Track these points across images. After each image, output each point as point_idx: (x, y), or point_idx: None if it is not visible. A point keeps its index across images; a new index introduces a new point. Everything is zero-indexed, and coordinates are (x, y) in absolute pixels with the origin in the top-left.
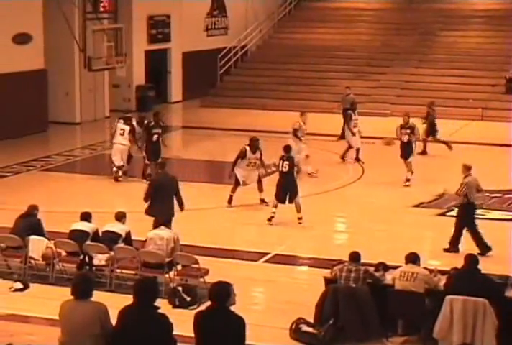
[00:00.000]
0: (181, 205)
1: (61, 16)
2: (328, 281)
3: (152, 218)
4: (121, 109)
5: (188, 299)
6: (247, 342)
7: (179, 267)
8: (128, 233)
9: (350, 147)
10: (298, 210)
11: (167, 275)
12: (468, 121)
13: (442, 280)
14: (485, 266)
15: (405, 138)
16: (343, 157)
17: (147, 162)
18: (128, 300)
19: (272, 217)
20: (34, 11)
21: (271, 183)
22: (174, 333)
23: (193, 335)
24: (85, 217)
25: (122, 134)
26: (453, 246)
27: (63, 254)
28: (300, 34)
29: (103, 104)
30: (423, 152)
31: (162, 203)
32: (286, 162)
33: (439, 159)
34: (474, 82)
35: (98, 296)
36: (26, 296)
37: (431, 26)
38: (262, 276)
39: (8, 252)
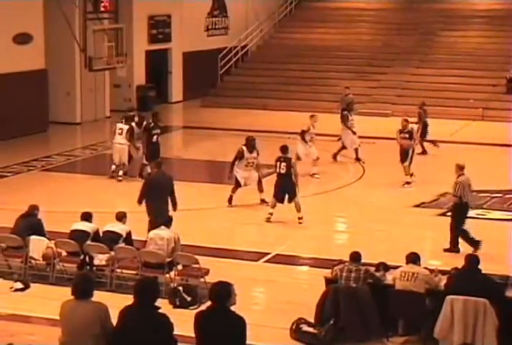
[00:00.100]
0: (174, 204)
1: (62, 16)
2: (328, 281)
3: None
4: (122, 109)
5: (189, 299)
6: (247, 342)
7: (179, 267)
8: (128, 233)
9: (344, 147)
10: (298, 210)
11: (167, 275)
12: (469, 121)
13: (443, 280)
14: (486, 266)
15: (404, 142)
16: (335, 157)
17: (145, 162)
18: (128, 300)
19: (269, 218)
20: (34, 11)
21: (270, 184)
22: (174, 333)
23: (193, 335)
24: (86, 217)
25: (120, 134)
26: (453, 246)
27: (64, 254)
28: (301, 34)
29: (103, 104)
30: (423, 152)
31: (155, 202)
32: (284, 164)
33: (439, 159)
34: (474, 82)
35: (98, 296)
36: (27, 296)
37: (432, 26)
38: (262, 276)
39: (8, 252)
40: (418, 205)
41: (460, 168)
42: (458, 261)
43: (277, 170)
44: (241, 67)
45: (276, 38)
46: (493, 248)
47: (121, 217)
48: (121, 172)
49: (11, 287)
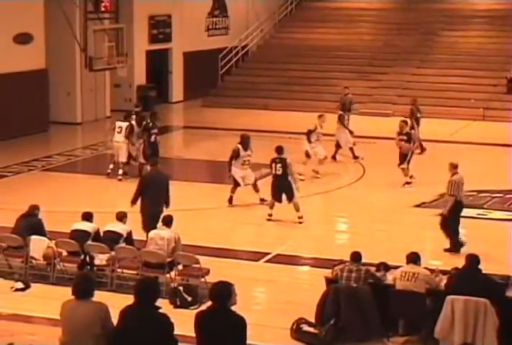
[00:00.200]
0: (167, 202)
1: (62, 16)
2: (329, 281)
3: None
4: (122, 109)
5: (189, 299)
6: (248, 342)
7: (180, 266)
8: (129, 233)
9: (339, 147)
10: (297, 210)
11: (168, 275)
12: (469, 121)
13: (443, 280)
14: (486, 266)
15: (402, 145)
16: (334, 157)
17: (142, 161)
18: (129, 300)
19: (269, 219)
20: (35, 11)
21: (268, 184)
22: (175, 333)
23: (194, 335)
24: (87, 217)
25: (120, 132)
26: (453, 245)
27: (64, 253)
28: (302, 34)
29: (104, 104)
30: (422, 151)
31: (147, 199)
32: (279, 165)
33: (439, 159)
34: (475, 82)
35: (99, 296)
36: (28, 296)
37: (433, 26)
38: (263, 276)
39: (9, 252)
40: (418, 205)
41: (454, 167)
42: (458, 261)
43: (273, 172)
44: (241, 67)
45: (277, 38)
46: (494, 248)
47: (121, 217)
48: (120, 172)
49: (12, 287)
